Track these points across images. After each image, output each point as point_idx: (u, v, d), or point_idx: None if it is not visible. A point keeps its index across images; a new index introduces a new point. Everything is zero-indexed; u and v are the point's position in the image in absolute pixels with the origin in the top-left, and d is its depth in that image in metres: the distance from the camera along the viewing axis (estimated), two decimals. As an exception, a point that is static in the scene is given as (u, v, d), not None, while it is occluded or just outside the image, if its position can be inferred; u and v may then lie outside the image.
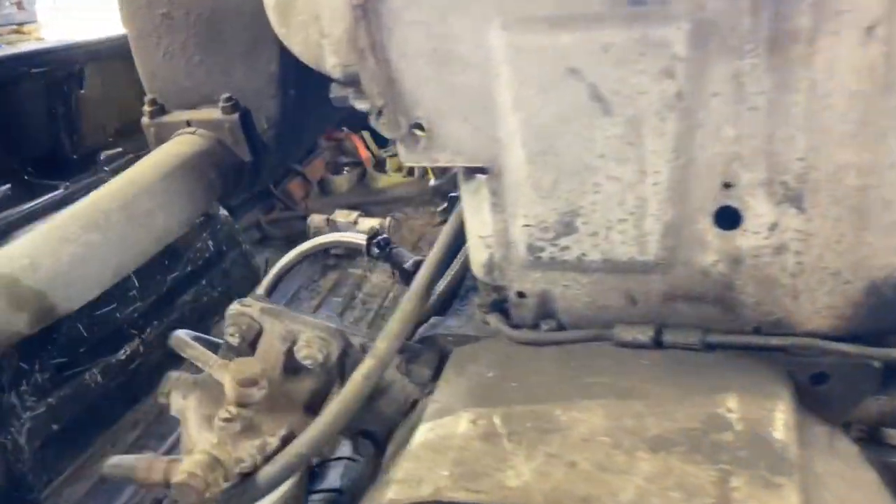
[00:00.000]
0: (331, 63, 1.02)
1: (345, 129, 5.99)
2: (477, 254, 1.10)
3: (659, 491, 0.84)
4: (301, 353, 1.12)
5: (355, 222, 4.42)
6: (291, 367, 1.14)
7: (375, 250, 1.60)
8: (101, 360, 2.68)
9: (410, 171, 5.78)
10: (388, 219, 4.49)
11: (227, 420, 1.05)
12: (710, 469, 0.86)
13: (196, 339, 1.19)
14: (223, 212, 3.67)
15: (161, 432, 2.77)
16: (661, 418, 0.94)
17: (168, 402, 1.14)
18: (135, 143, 3.80)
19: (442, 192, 1.78)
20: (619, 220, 1.00)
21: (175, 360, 3.30)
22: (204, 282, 3.49)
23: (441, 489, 0.89)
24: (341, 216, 4.45)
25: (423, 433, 0.99)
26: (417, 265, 1.60)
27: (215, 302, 3.54)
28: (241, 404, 1.07)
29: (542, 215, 1.02)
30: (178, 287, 3.28)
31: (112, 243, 1.10)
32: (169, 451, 2.73)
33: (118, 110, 3.77)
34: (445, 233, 1.23)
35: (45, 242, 1.07)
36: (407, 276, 1.58)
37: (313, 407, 1.13)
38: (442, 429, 0.99)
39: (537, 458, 0.91)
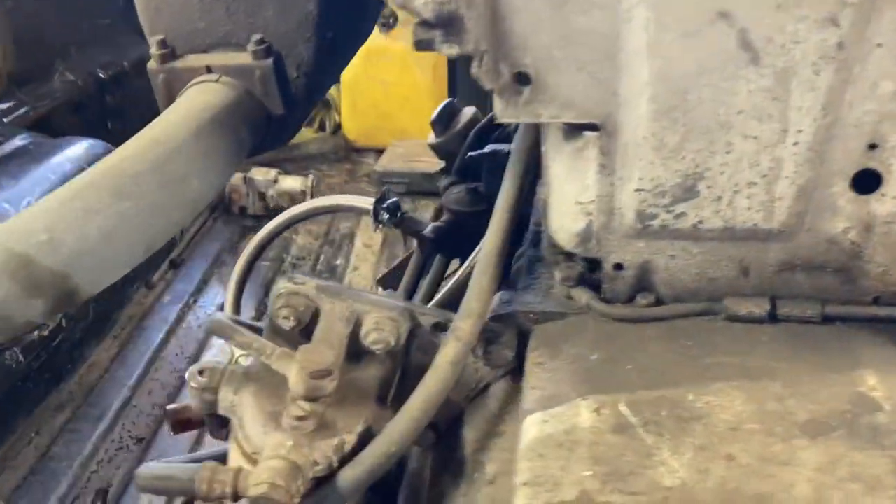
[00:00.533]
0: (421, 0, 0.87)
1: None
2: (570, 222, 0.99)
3: (835, 483, 0.77)
4: (370, 338, 0.97)
5: (275, 180, 4.19)
6: (353, 352, 1.00)
7: (385, 215, 1.45)
8: (22, 336, 2.40)
9: (321, 126, 5.55)
10: (310, 177, 4.28)
11: (300, 418, 0.90)
12: (880, 456, 0.79)
13: (235, 322, 1.02)
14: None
15: (95, 414, 2.52)
16: (804, 400, 0.86)
17: (215, 398, 0.97)
18: (35, 94, 3.44)
19: (445, 150, 1.64)
20: (749, 183, 0.90)
21: (98, 335, 3.03)
22: (125, 248, 3.19)
23: (588, 492, 0.78)
24: (259, 174, 4.21)
25: (537, 426, 0.88)
26: (437, 232, 1.47)
27: (134, 269, 3.26)
28: (310, 398, 0.93)
29: (660, 178, 0.92)
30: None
31: (144, 213, 0.91)
32: (106, 435, 2.49)
33: (11, 55, 3.38)
34: (506, 196, 1.10)
35: (66, 213, 0.87)
36: (427, 244, 1.45)
37: (383, 397, 1.00)
38: (560, 421, 0.88)
39: (686, 451, 0.82)
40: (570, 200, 0.97)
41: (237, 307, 1.64)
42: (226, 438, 1.57)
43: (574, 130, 0.93)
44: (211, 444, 2.43)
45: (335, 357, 0.94)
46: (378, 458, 0.90)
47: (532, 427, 0.88)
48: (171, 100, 1.10)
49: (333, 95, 5.40)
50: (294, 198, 4.09)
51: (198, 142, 0.96)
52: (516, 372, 1.05)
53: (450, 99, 1.67)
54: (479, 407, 1.05)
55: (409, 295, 1.58)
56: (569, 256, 1.07)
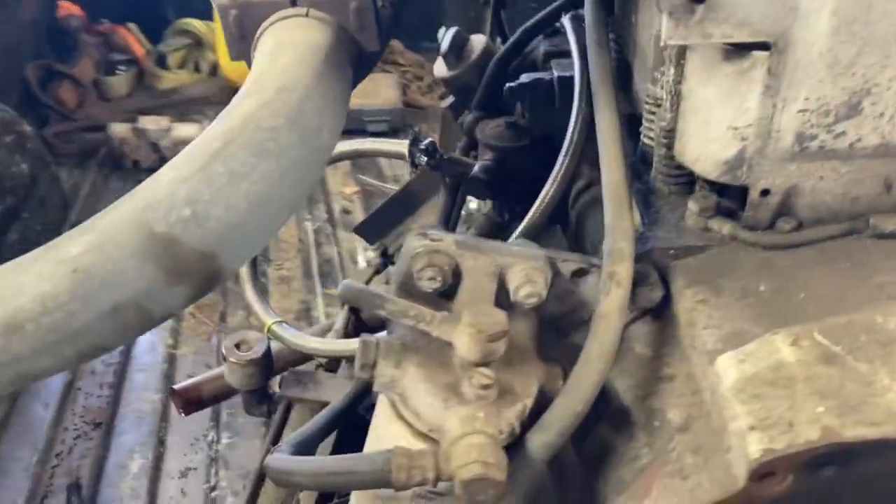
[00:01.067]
0: None
1: (105, 20, 5.21)
2: (719, 148, 0.94)
3: None
4: (523, 292, 0.89)
5: (168, 129, 3.87)
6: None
7: (423, 158, 1.35)
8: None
9: (197, 68, 5.16)
10: (205, 123, 3.98)
11: (486, 387, 0.82)
12: None
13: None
14: (28, 127, 3.08)
15: (37, 403, 2.25)
16: (984, 311, 0.87)
17: (371, 375, 0.86)
18: None
19: (459, 84, 1.54)
20: (914, 97, 0.88)
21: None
22: (26, 215, 2.91)
23: (832, 429, 0.76)
24: (149, 123, 3.87)
25: (735, 366, 0.84)
26: (487, 171, 1.38)
27: (39, 238, 2.95)
28: (483, 364, 0.84)
29: (828, 97, 0.88)
30: (3, 224, 2.68)
31: (288, 174, 0.77)
32: (56, 424, 2.24)
33: None
34: (608, 126, 1.03)
35: (209, 180, 0.72)
36: (477, 185, 1.36)
37: (540, 353, 0.92)
38: (759, 358, 0.84)
39: (905, 374, 0.80)
40: (721, 126, 0.92)
41: (254, 264, 1.49)
42: (266, 415, 1.45)
43: (739, 51, 0.87)
44: (177, 420, 2.26)
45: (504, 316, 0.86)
46: (568, 419, 0.84)
47: (730, 368, 0.84)
48: (243, 41, 0.94)
49: (206, 34, 5.04)
50: (191, 147, 3.80)
51: (321, 87, 0.82)
52: (650, 312, 1.00)
53: (455, 28, 1.55)
54: (621, 352, 1.00)
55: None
56: (692, 185, 1.02)
